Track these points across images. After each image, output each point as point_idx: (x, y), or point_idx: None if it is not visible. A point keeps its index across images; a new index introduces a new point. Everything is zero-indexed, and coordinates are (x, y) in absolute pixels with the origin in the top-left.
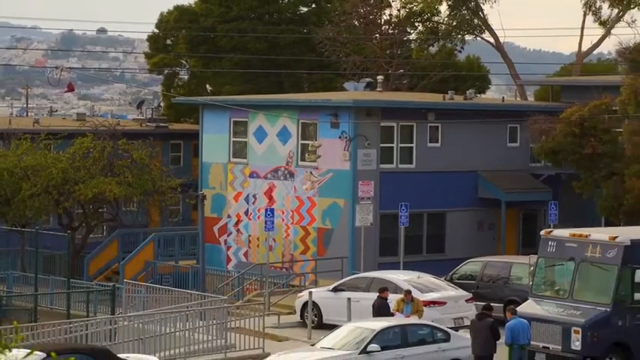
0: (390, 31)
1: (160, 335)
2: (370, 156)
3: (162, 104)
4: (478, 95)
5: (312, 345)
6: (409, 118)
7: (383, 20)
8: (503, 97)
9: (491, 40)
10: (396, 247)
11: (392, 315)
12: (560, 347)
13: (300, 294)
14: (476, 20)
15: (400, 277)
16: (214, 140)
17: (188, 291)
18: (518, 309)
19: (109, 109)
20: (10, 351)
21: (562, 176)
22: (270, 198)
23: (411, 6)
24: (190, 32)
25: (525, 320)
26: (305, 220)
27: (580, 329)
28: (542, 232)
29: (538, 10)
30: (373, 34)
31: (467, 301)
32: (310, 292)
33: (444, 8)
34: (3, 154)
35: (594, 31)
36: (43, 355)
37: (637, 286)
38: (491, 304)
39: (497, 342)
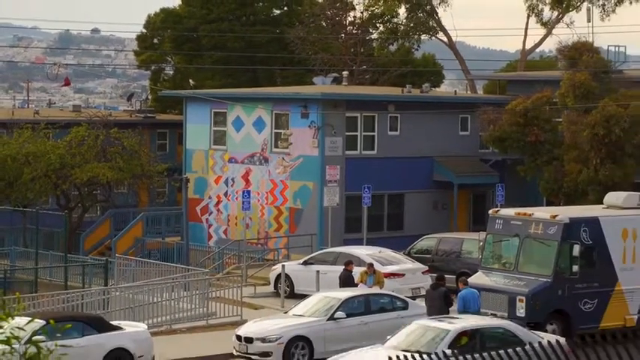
0: (354, 32)
1: (148, 304)
2: (336, 143)
3: (149, 97)
4: (433, 89)
5: (285, 312)
6: (371, 109)
7: (348, 21)
8: (455, 91)
9: (445, 39)
10: (359, 225)
11: (356, 286)
12: (506, 314)
13: (274, 267)
14: (431, 22)
15: (363, 251)
16: (197, 129)
17: (173, 265)
18: (469, 280)
19: (102, 102)
20: (13, 319)
21: (508, 161)
22: (247, 181)
23: (373, 9)
24: (175, 32)
25: (475, 290)
26: (278, 201)
27: (524, 298)
28: (490, 211)
29: (486, 12)
30: (339, 34)
31: (423, 273)
32: (283, 266)
33: (402, 11)
34: (6, 142)
35: (537, 31)
36: (43, 322)
37: (575, 259)
38: (445, 275)
39: (450, 309)
